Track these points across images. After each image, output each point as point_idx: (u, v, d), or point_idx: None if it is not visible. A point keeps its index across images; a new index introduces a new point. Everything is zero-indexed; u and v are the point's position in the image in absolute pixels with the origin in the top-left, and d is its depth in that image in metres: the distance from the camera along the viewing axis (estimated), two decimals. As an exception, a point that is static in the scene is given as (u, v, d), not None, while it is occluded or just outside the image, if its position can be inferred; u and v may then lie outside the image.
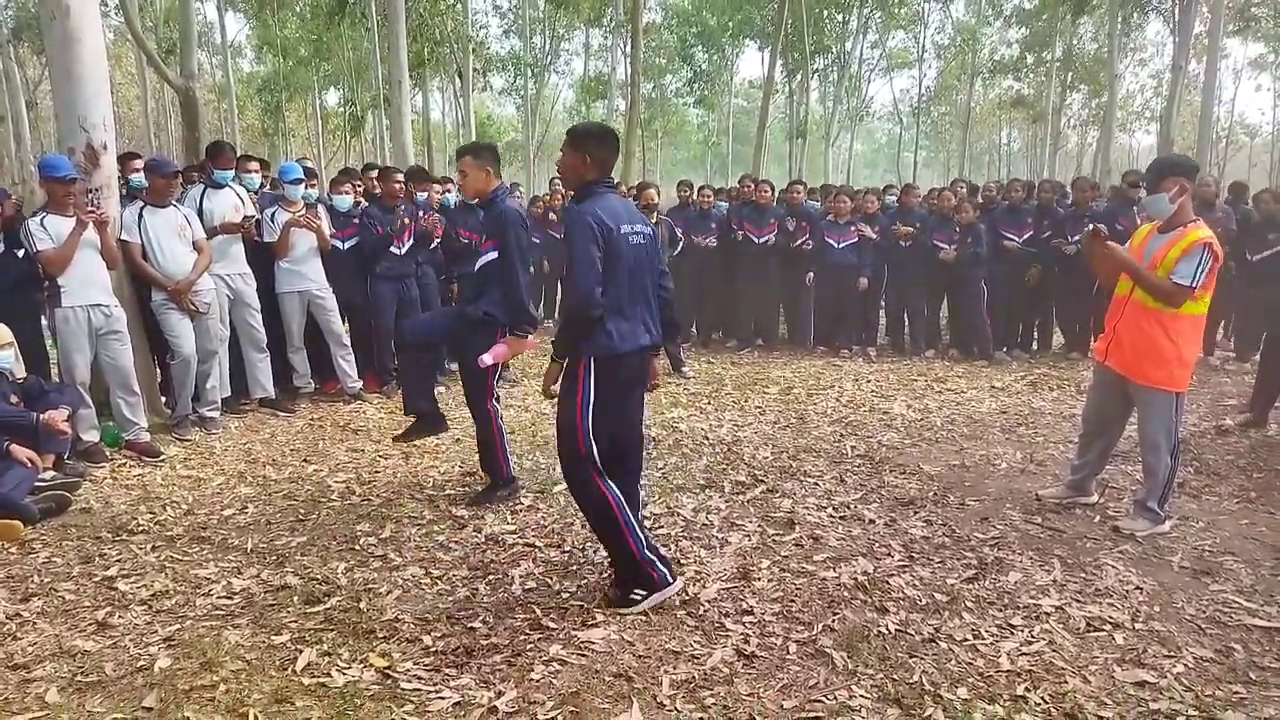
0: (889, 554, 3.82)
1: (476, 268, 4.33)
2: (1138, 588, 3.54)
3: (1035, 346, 8.79)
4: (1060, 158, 38.32)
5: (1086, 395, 4.64)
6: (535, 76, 31.99)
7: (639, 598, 3.32)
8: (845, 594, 3.42)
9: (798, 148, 28.67)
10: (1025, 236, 8.38)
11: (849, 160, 40.99)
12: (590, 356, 3.24)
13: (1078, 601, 3.41)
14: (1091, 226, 4.21)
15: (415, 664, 2.95)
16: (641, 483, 4.78)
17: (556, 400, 3.36)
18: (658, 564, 3.33)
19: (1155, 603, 3.42)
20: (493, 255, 4.21)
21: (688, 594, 3.44)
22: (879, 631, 3.12)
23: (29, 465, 4.30)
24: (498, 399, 4.61)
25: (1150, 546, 3.97)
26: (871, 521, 4.22)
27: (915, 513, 4.34)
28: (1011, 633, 3.17)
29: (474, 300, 4.36)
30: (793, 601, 3.36)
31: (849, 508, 4.41)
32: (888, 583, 3.52)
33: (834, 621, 3.19)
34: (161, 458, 5.27)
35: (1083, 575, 3.65)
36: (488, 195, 4.28)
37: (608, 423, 3.32)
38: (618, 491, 3.32)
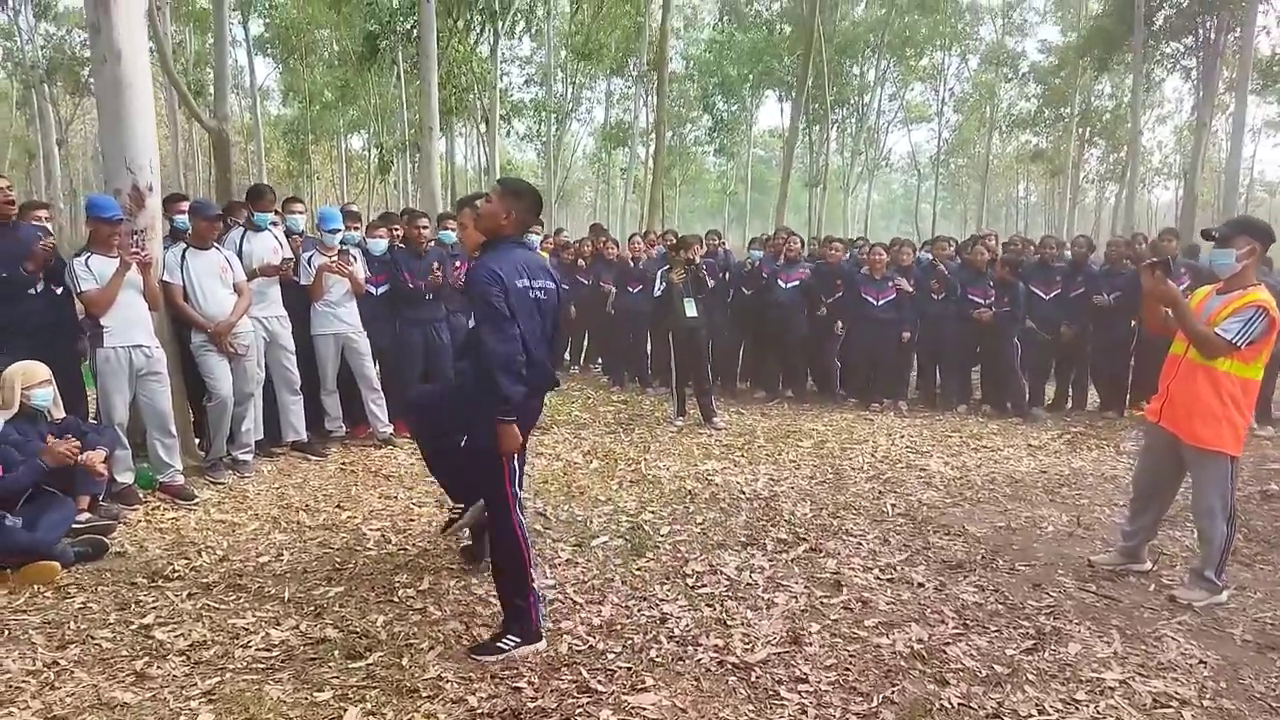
0: (942, 621, 3.71)
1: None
2: (1201, 662, 3.43)
3: (1070, 404, 8.68)
4: (1079, 212, 38.42)
5: (1138, 458, 4.55)
6: (558, 123, 32.38)
7: (508, 646, 3.36)
8: (902, 663, 3.32)
9: (816, 197, 28.85)
10: (1053, 294, 8.34)
11: (866, 211, 41.18)
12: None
13: (1141, 676, 3.30)
14: (1154, 259, 4.13)
15: (462, 727, 2.86)
16: (681, 537, 4.77)
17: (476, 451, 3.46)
18: (541, 616, 3.46)
19: (1221, 678, 3.31)
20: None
21: (736, 657, 3.35)
22: (941, 705, 3.02)
23: (101, 476, 4.40)
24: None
25: (1209, 618, 3.86)
26: (921, 585, 4.11)
27: (965, 577, 4.24)
28: (1077, 708, 3.07)
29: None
30: (848, 670, 3.26)
31: (895, 569, 4.32)
32: (944, 652, 3.42)
33: (893, 693, 3.09)
34: (195, 501, 5.23)
35: (1144, 648, 3.54)
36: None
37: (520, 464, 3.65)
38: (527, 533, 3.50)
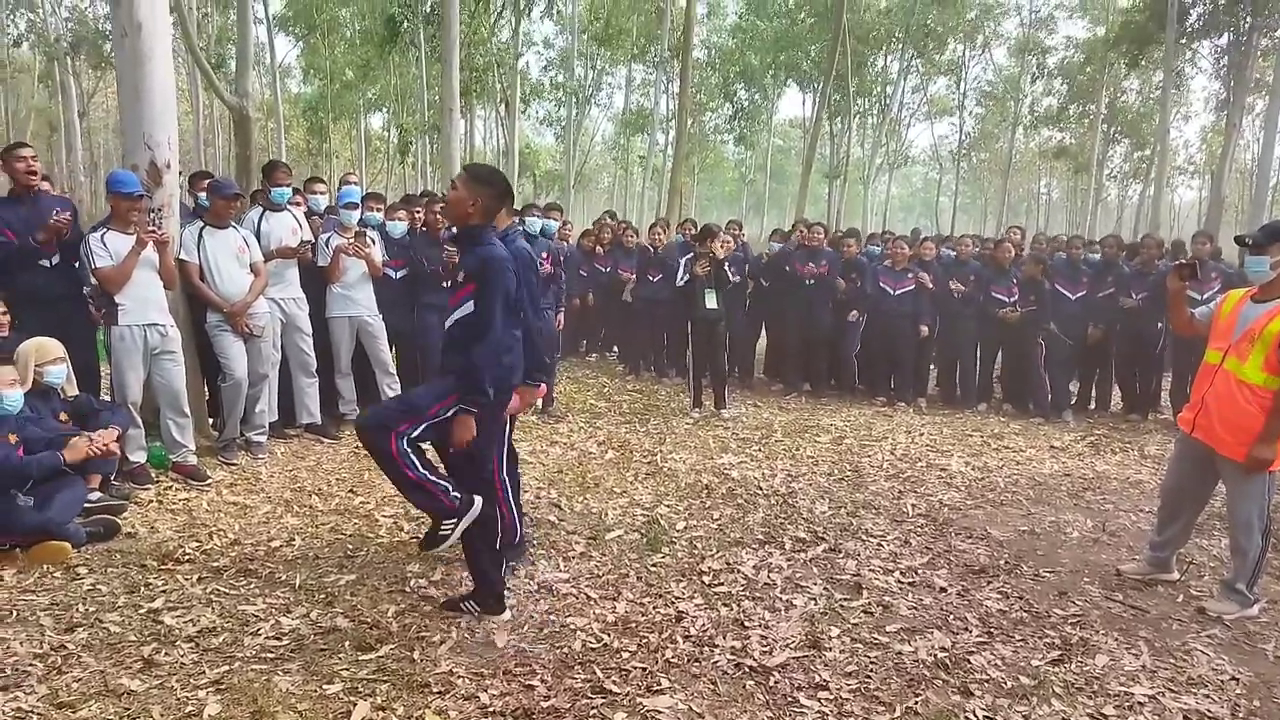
0: (966, 628, 3.62)
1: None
2: (1234, 678, 3.33)
3: (1093, 406, 8.54)
4: (1101, 210, 37.98)
5: (1168, 467, 4.43)
6: (578, 106, 32.21)
7: (470, 609, 3.57)
8: (925, 672, 3.23)
9: (836, 189, 28.60)
10: (1080, 294, 8.20)
11: (886, 204, 40.86)
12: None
13: (1171, 691, 3.21)
14: (1183, 261, 4.06)
15: (473, 725, 2.80)
16: (697, 532, 4.69)
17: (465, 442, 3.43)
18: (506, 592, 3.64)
19: (1254, 696, 3.21)
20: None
21: (754, 660, 3.27)
22: (965, 718, 2.93)
23: (113, 455, 4.41)
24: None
25: (1240, 632, 3.75)
26: (943, 590, 4.02)
27: (988, 582, 4.14)
28: (1105, 724, 2.97)
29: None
30: (869, 677, 3.18)
31: (917, 573, 4.22)
32: (968, 661, 3.33)
33: (917, 704, 3.00)
34: (207, 482, 5.18)
35: (1173, 661, 3.44)
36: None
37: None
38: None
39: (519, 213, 6.92)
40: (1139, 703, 3.10)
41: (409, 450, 3.36)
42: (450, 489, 3.42)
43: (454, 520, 3.43)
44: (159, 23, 5.29)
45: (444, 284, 6.75)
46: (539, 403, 7.23)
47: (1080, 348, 8.25)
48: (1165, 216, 33.19)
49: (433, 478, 3.41)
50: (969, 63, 33.75)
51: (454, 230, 3.67)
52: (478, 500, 3.44)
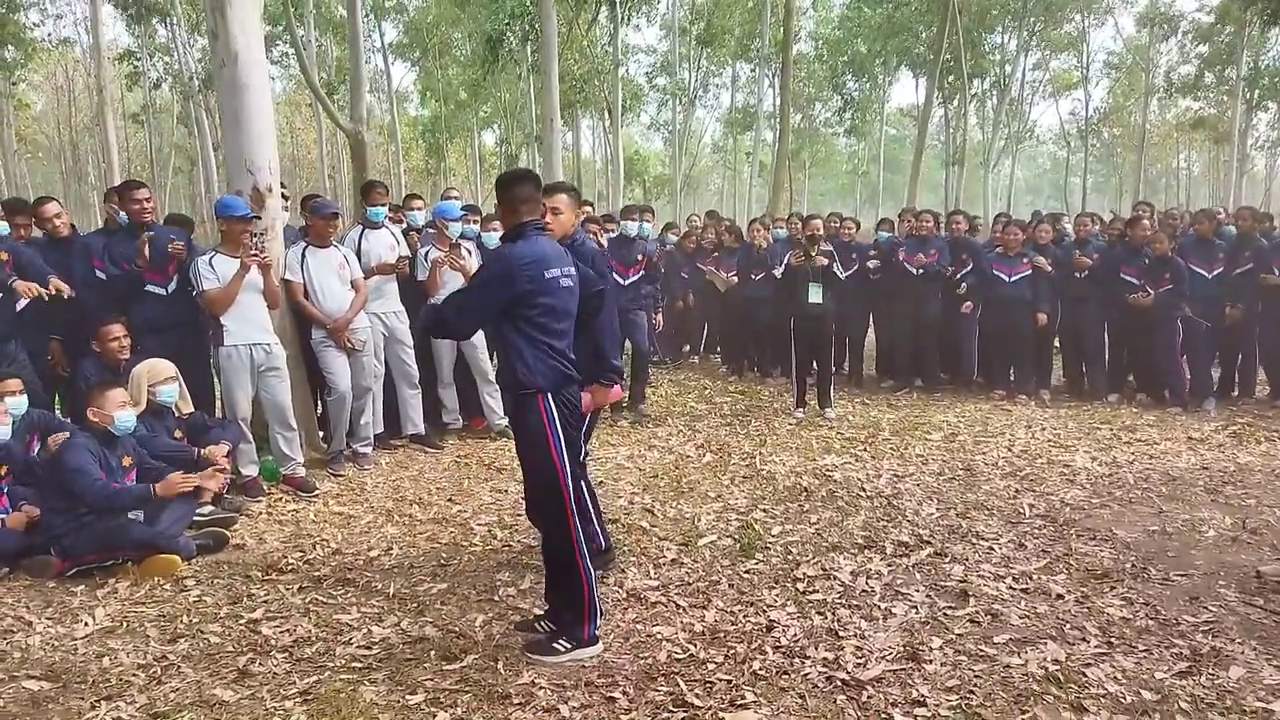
0: (1083, 638, 3.33)
1: None
2: (1395, 695, 2.94)
3: (1236, 393, 7.84)
4: (1246, 182, 35.21)
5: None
6: (684, 109, 32.15)
7: (562, 649, 3.27)
8: (1035, 687, 2.98)
9: (954, 175, 27.52)
10: (1216, 272, 7.55)
11: (1010, 187, 39.03)
12: (545, 392, 3.29)
13: (1319, 709, 2.85)
14: None
15: (551, 738, 2.75)
16: (793, 537, 4.52)
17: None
18: (596, 626, 3.34)
19: None
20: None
21: (847, 672, 3.10)
22: (1078, 737, 2.68)
23: (224, 470, 4.65)
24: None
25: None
26: (1060, 597, 3.72)
27: (1111, 588, 3.81)
28: (1240, 745, 2.67)
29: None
30: (972, 693, 2.95)
31: (1031, 579, 3.93)
32: (1084, 674, 3.05)
33: (1023, 721, 2.77)
34: (316, 493, 5.35)
35: (1322, 674, 3.07)
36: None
37: (573, 461, 3.42)
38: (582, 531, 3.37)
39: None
40: (1280, 721, 2.78)
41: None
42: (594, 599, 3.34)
43: (567, 644, 3.31)
44: (254, 52, 5.51)
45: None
46: (625, 404, 7.20)
47: (1220, 330, 7.59)
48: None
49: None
50: (1091, 33, 31.92)
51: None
52: (598, 648, 3.33)
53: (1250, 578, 3.90)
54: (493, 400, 6.73)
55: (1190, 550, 4.29)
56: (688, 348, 10.86)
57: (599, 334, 3.73)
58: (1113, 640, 3.33)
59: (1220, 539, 4.44)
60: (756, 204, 31.55)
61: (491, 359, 6.73)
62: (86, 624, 3.59)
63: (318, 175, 33.40)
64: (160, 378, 4.68)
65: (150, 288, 5.36)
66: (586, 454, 4.13)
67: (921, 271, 8.19)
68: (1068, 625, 3.46)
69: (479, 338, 6.59)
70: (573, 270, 3.43)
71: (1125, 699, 2.91)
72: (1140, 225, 7.88)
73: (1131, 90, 33.04)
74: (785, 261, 7.35)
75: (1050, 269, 7.84)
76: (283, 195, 6.25)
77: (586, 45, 23.16)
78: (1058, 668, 3.10)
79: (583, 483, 3.81)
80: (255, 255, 5.22)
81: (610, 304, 3.84)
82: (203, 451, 4.64)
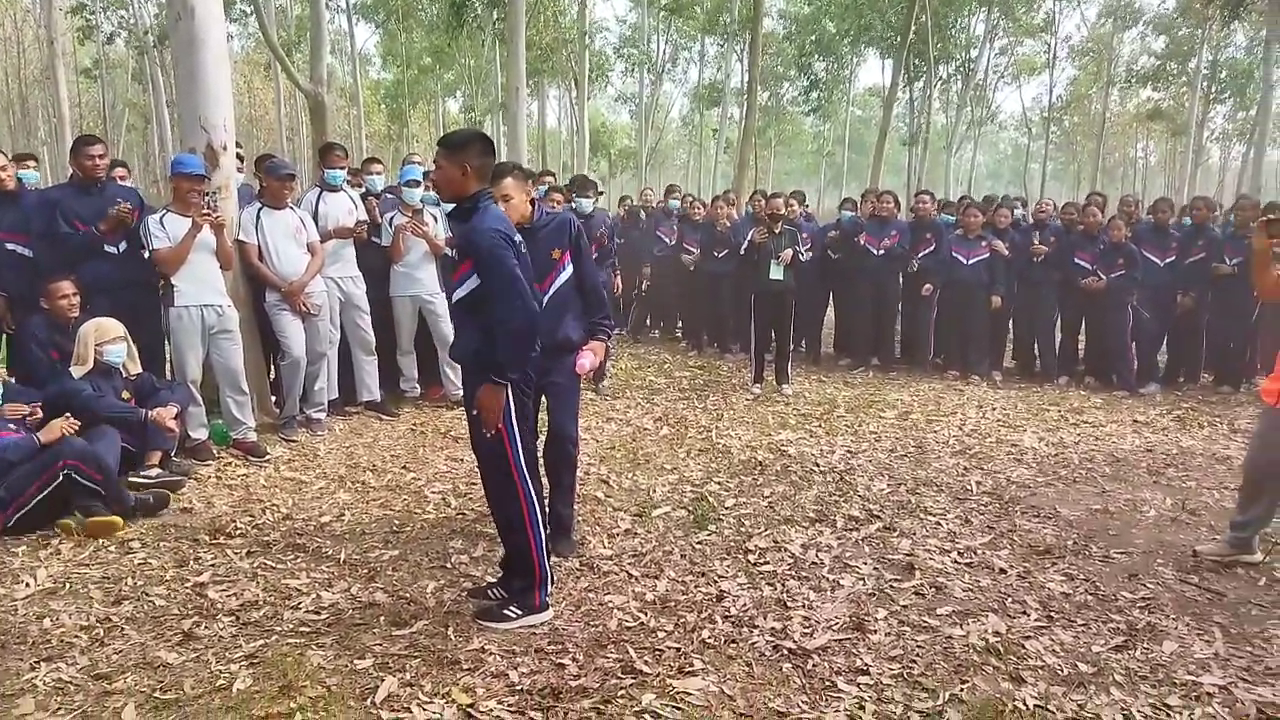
0: (1024, 612, 3.42)
1: (452, 301, 3.37)
2: (1319, 669, 3.06)
3: (1182, 378, 8.05)
4: (1202, 173, 35.90)
5: (1251, 442, 4.11)
6: (652, 83, 31.92)
7: (512, 616, 3.28)
8: (975, 657, 3.06)
9: (916, 157, 27.68)
10: (1168, 260, 7.71)
11: (971, 171, 39.40)
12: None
13: (1245, 681, 2.96)
14: (1269, 217, 3.74)
15: (499, 702, 2.75)
16: (746, 510, 4.57)
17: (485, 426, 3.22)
18: (547, 594, 3.36)
19: (1343, 689, 2.94)
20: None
21: (794, 641, 3.14)
22: (1014, 706, 2.75)
23: (172, 432, 4.64)
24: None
25: (1330, 619, 3.45)
26: (1002, 571, 3.81)
27: (1053, 564, 3.91)
28: (1168, 715, 2.76)
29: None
30: (914, 662, 3.02)
31: (976, 553, 4.02)
32: (1023, 646, 3.13)
33: (962, 691, 2.83)
34: (266, 458, 5.28)
35: (1249, 650, 3.17)
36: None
37: (524, 431, 3.35)
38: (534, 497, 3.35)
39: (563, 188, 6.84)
40: (1207, 693, 2.87)
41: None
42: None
43: (517, 610, 3.32)
44: (211, 6, 5.36)
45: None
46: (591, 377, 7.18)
47: (1169, 317, 7.77)
48: (1270, 179, 31.21)
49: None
50: (1058, 19, 32.15)
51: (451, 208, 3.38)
52: (548, 614, 3.34)
53: (1187, 556, 4.01)
54: (451, 369, 6.68)
55: (1131, 529, 4.40)
56: (649, 321, 10.84)
57: (594, 292, 3.90)
58: (1052, 614, 3.41)
59: (1160, 519, 4.57)
60: (722, 180, 31.46)
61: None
62: (28, 585, 3.52)
63: (276, 136, 32.63)
64: (108, 337, 4.57)
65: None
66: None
67: (883, 253, 8.26)
68: (1009, 599, 3.54)
69: (441, 306, 6.52)
70: (520, 238, 3.31)
71: (1062, 671, 2.99)
72: (1089, 212, 8.03)
73: (1096, 78, 33.41)
74: (749, 238, 7.37)
75: (1008, 253, 7.95)
76: (238, 155, 6.12)
77: (554, 14, 22.81)
78: (998, 639, 3.18)
79: (536, 454, 3.75)
80: (207, 214, 5.10)
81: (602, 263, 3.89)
82: (151, 414, 4.55)
